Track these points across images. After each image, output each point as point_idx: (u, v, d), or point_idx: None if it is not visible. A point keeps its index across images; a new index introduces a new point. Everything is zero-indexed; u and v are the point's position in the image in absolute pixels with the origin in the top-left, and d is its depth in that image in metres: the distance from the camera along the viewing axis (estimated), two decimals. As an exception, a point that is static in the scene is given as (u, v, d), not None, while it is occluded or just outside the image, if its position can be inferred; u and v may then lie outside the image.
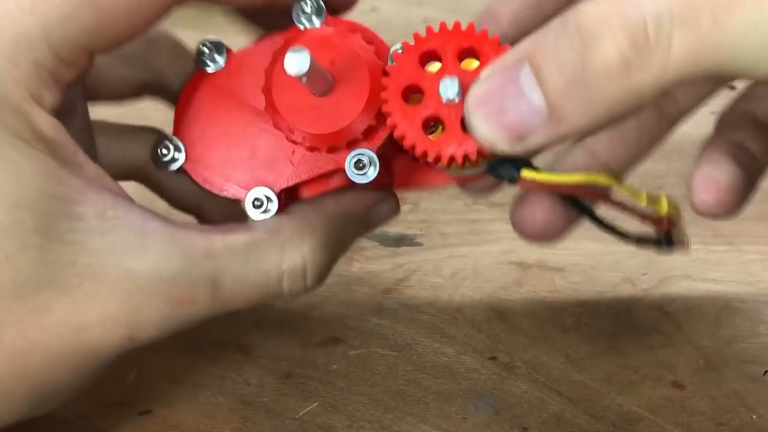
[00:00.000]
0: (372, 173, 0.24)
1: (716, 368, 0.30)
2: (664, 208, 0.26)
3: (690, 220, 0.38)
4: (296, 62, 0.20)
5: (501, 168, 0.25)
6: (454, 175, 0.26)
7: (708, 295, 0.34)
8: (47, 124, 0.21)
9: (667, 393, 0.29)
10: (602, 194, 0.26)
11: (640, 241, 0.28)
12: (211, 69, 0.25)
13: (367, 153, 0.24)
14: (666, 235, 0.27)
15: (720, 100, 0.52)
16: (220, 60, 0.25)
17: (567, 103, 0.19)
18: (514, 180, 0.24)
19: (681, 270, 0.35)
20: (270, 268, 0.23)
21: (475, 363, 0.31)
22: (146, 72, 0.27)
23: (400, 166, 0.26)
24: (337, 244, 0.25)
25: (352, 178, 0.24)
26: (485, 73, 0.20)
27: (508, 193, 0.41)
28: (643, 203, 0.26)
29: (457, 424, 0.28)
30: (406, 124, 0.22)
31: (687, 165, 0.43)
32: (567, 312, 0.33)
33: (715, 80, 0.25)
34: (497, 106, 0.19)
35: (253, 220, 0.24)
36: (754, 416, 0.28)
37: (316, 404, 0.29)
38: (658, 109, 0.27)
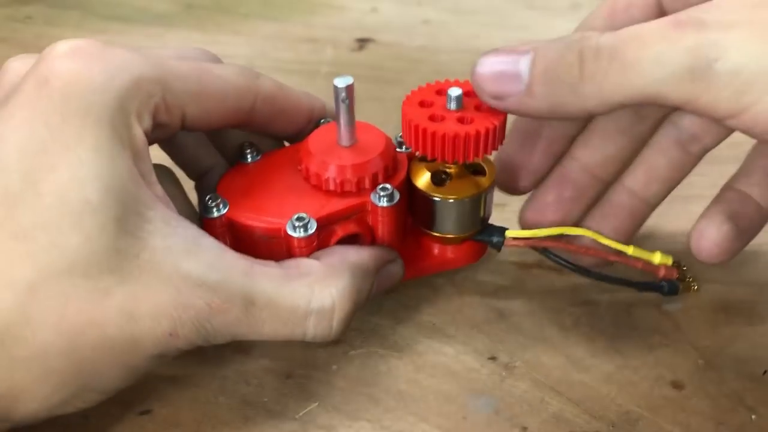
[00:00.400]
0: (396, 196, 0.29)
1: (716, 368, 0.30)
2: (656, 259, 0.32)
3: (688, 220, 0.39)
4: (344, 78, 0.28)
5: (489, 232, 0.32)
6: (451, 244, 0.32)
7: (707, 295, 0.34)
8: (141, 139, 0.25)
9: (667, 393, 0.29)
10: (584, 248, 0.31)
11: (646, 288, 0.32)
12: (249, 161, 0.32)
13: (389, 185, 0.29)
14: (670, 283, 0.32)
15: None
16: (256, 157, 0.32)
17: (541, 86, 0.25)
18: (500, 242, 0.31)
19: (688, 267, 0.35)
20: (300, 302, 0.26)
21: (475, 363, 0.31)
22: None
23: (408, 252, 0.32)
24: (358, 293, 0.28)
25: (375, 202, 0.29)
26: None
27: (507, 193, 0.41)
28: (629, 252, 0.31)
29: (457, 423, 0.28)
30: (414, 114, 0.29)
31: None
32: (567, 312, 0.33)
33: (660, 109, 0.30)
34: (499, 62, 0.26)
35: (285, 262, 0.27)
36: (753, 416, 0.28)
37: (316, 404, 0.29)
38: (685, 149, 0.31)
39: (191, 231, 0.25)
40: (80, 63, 0.24)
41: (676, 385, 0.30)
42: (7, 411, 0.23)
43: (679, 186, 0.42)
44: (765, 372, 0.30)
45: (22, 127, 0.23)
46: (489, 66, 0.26)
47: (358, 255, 0.28)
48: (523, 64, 0.25)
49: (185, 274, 0.24)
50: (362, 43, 0.57)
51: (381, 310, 0.33)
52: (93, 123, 0.23)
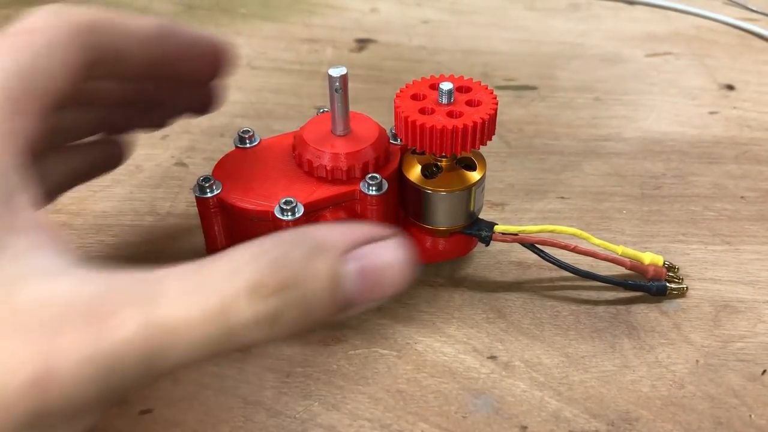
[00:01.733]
0: (385, 186, 0.30)
1: (715, 368, 0.30)
2: (646, 259, 0.33)
3: (687, 220, 0.39)
4: (338, 69, 0.29)
5: (478, 226, 0.33)
6: (441, 236, 0.33)
7: (707, 295, 0.34)
8: (14, 153, 0.21)
9: (667, 393, 0.29)
10: (572, 246, 0.32)
11: (634, 288, 0.34)
12: (246, 146, 0.33)
13: (378, 175, 0.30)
14: (658, 285, 0.33)
15: (719, 100, 0.52)
16: (254, 143, 0.33)
17: None
18: (488, 237, 0.32)
19: (680, 270, 0.35)
20: (222, 286, 0.19)
21: (475, 362, 0.31)
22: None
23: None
24: (295, 265, 0.19)
25: (364, 190, 0.30)
26: None
27: (506, 193, 0.41)
28: (618, 252, 0.33)
29: (457, 422, 0.28)
30: (406, 106, 0.30)
31: (685, 165, 0.44)
32: (567, 311, 0.33)
33: None
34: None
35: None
36: (752, 415, 0.29)
37: (316, 403, 0.29)
38: None
39: (58, 246, 0.20)
40: None
41: (676, 385, 0.30)
42: None
43: (679, 186, 0.42)
44: (765, 372, 0.30)
45: None
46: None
47: (315, 229, 0.21)
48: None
49: (47, 300, 0.18)
50: (362, 43, 0.57)
51: (381, 310, 0.33)
52: None
